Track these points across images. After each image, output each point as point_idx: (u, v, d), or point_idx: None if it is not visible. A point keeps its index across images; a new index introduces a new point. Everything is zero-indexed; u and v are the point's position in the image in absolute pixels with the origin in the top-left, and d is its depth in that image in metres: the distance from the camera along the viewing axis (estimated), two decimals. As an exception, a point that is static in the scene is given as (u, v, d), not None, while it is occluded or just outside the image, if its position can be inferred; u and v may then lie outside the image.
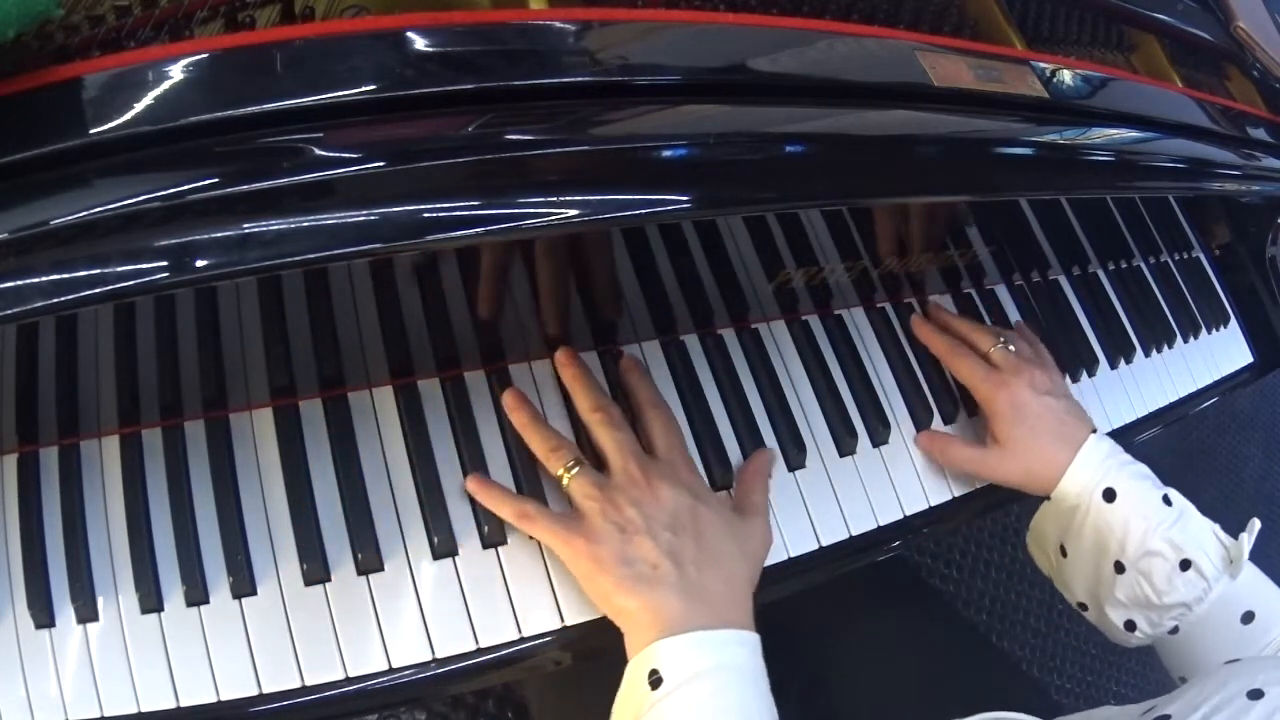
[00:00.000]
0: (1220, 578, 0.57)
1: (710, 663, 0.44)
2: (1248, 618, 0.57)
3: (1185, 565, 0.56)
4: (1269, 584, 0.59)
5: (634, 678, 0.45)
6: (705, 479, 0.55)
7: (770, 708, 0.46)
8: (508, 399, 0.53)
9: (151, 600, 0.46)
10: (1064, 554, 0.62)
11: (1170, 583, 0.57)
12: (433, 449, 0.52)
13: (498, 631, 0.49)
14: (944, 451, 0.63)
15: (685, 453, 0.54)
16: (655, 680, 0.44)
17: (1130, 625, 0.59)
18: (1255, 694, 0.40)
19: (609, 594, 0.48)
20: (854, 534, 0.59)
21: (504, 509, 0.51)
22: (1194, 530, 0.58)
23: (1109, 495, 0.58)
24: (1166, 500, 0.59)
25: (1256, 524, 0.58)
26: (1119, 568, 0.58)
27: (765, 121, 0.47)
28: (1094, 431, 0.62)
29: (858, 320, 0.66)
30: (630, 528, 0.48)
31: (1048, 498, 0.61)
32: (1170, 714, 0.41)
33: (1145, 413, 0.77)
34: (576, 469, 0.51)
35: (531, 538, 0.51)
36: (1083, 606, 0.63)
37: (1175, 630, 0.59)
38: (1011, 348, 0.65)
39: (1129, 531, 0.57)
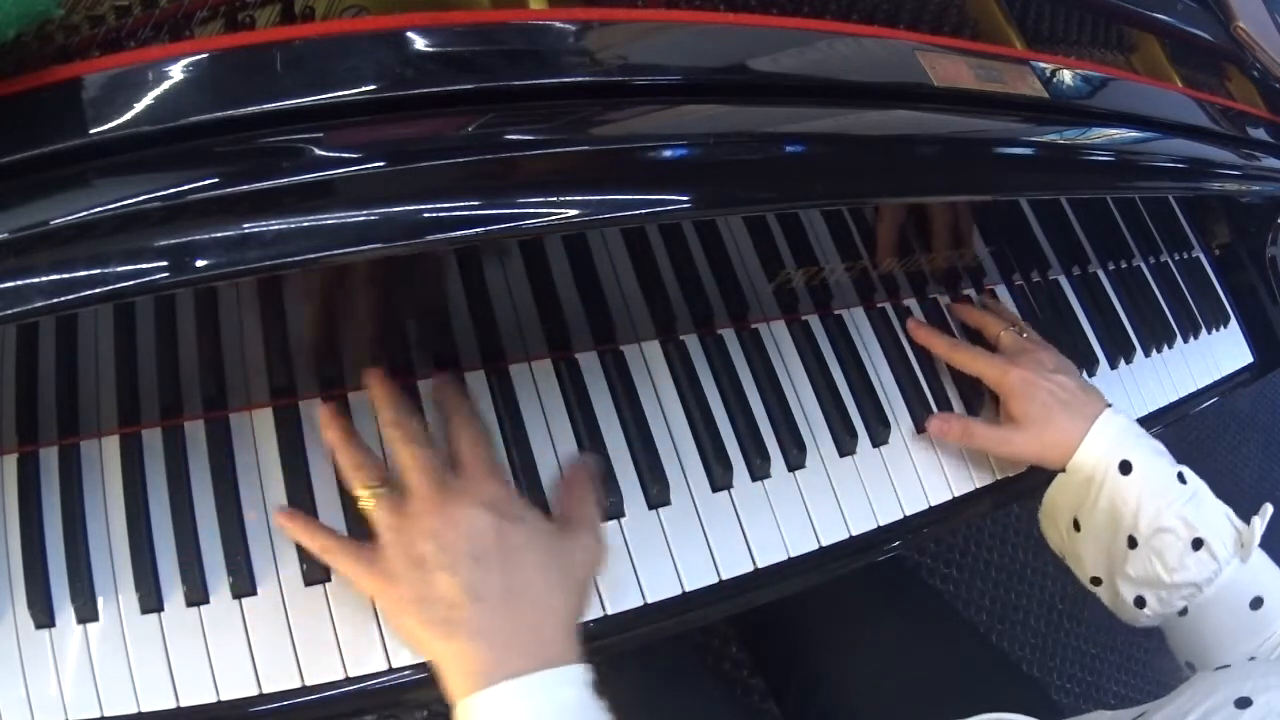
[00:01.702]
0: (1231, 559, 0.57)
1: (529, 712, 0.40)
2: (1256, 603, 0.57)
3: (1197, 544, 0.57)
4: (1279, 572, 0.59)
5: None
6: (518, 493, 0.49)
7: None
8: (323, 413, 0.49)
9: (151, 600, 0.46)
10: (1077, 528, 0.62)
11: (1182, 561, 0.57)
12: (433, 449, 0.52)
13: (498, 631, 0.49)
14: (965, 432, 0.63)
15: (492, 467, 0.48)
16: None
17: (1140, 601, 0.60)
18: (1243, 702, 0.40)
19: (414, 638, 0.44)
20: (854, 534, 0.59)
21: (312, 542, 0.47)
22: (1207, 510, 0.58)
23: (1125, 467, 0.58)
24: (1181, 478, 0.59)
25: (1269, 509, 0.58)
26: (1132, 542, 0.58)
27: (765, 121, 0.47)
28: (1109, 406, 0.62)
29: (858, 320, 0.66)
30: (429, 563, 0.43)
31: (1063, 470, 0.61)
32: None
33: (1145, 413, 0.77)
34: (381, 493, 0.46)
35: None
36: (1096, 581, 0.63)
37: (1184, 611, 0.59)
38: (1024, 335, 0.66)
39: (1143, 506, 0.57)
